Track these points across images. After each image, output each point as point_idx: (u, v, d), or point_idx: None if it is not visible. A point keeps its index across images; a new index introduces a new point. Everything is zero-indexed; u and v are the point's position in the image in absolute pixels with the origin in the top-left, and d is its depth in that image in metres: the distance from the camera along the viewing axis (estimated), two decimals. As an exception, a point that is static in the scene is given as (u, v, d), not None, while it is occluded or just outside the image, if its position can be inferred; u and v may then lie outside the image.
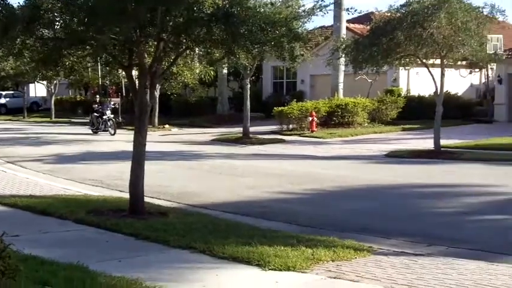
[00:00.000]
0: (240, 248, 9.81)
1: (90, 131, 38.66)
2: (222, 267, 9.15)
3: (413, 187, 17.86)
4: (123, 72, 19.81)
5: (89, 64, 22.19)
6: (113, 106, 39.81)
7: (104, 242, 10.87)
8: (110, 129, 37.42)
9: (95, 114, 38.89)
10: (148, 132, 13.53)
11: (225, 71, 43.56)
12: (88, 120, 41.06)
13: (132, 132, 13.49)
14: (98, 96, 44.84)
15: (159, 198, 15.59)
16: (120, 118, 42.15)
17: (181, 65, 28.20)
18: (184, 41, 12.65)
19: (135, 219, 12.21)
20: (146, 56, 12.91)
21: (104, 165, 22.78)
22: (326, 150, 28.08)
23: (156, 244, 10.56)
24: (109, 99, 44.13)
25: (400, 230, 12.26)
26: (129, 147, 13.37)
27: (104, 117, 37.94)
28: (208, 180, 19.45)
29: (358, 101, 37.55)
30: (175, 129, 40.32)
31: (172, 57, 13.44)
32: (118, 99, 45.08)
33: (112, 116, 38.10)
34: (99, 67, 41.90)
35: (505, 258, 10.03)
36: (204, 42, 12.74)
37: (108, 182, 18.51)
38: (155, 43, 12.62)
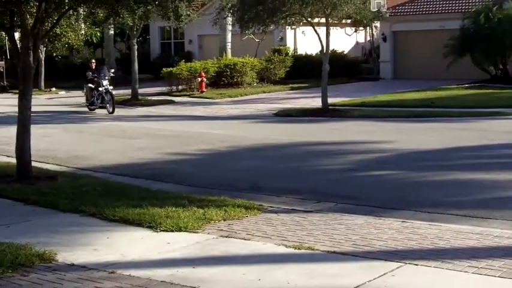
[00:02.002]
0: (131, 210, 9.76)
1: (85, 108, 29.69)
2: (113, 229, 9.08)
3: (302, 145, 18.10)
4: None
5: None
6: (113, 75, 29.72)
7: (-9, 208, 10.62)
8: (107, 105, 28.05)
9: (90, 85, 29.12)
10: (34, 96, 13.26)
11: (111, 32, 42.84)
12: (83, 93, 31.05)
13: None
14: (93, 60, 31.64)
15: (48, 163, 15.29)
16: (5, 82, 40.86)
17: (65, 26, 27.67)
18: (67, 0, 12.37)
19: (23, 185, 12.01)
20: (28, 17, 12.56)
21: (-11, 130, 22.16)
22: (216, 111, 28.10)
23: (46, 209, 10.42)
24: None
25: (290, 188, 12.41)
26: (15, 111, 13.04)
27: (100, 89, 28.11)
28: (97, 143, 19.19)
29: (246, 60, 37.59)
30: (62, 92, 39.46)
31: (55, 18, 13.11)
32: (2, 63, 43.74)
33: (111, 87, 28.28)
34: (-20, 29, 40.30)
35: (392, 212, 10.31)
36: (87, 2, 12.51)
37: (-7, 147, 18.02)
38: (37, 3, 12.27)
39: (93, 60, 31.10)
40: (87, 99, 29.40)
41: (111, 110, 27.73)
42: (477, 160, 15.33)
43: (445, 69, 34.12)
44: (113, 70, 30.06)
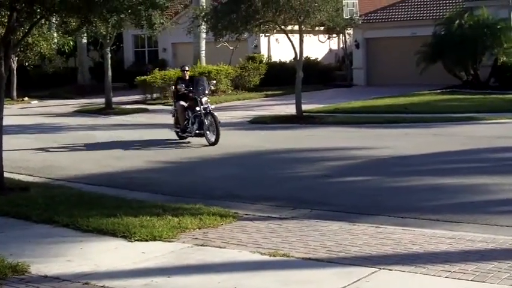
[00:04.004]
0: (105, 220, 9.71)
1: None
2: (87, 240, 9.03)
3: (277, 152, 18.10)
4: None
5: None
6: (213, 87, 23.39)
7: (-37, 220, 10.52)
8: (207, 132, 19.55)
9: (181, 103, 20.46)
10: (6, 106, 13.14)
11: (84, 40, 42.75)
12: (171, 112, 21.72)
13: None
14: (187, 68, 21.55)
15: (20, 173, 15.16)
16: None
17: (37, 35, 27.45)
18: (39, 10, 12.31)
19: (-5, 196, 11.88)
20: (-1, 26, 12.51)
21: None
22: (190, 119, 28.00)
23: (18, 220, 10.34)
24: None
25: (265, 195, 12.42)
26: None
27: (197, 108, 19.66)
28: (71, 152, 19.07)
29: (220, 68, 37.58)
30: (35, 102, 39.27)
31: (27, 27, 13.05)
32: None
33: (212, 107, 20.32)
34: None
35: (366, 218, 10.35)
36: (59, 11, 12.44)
37: (-35, 158, 17.84)
38: (8, 13, 12.21)
39: (187, 68, 21.60)
40: (176, 123, 20.81)
41: (213, 139, 19.26)
42: (450, 165, 15.42)
43: (418, 75, 34.31)
44: (214, 82, 23.78)
